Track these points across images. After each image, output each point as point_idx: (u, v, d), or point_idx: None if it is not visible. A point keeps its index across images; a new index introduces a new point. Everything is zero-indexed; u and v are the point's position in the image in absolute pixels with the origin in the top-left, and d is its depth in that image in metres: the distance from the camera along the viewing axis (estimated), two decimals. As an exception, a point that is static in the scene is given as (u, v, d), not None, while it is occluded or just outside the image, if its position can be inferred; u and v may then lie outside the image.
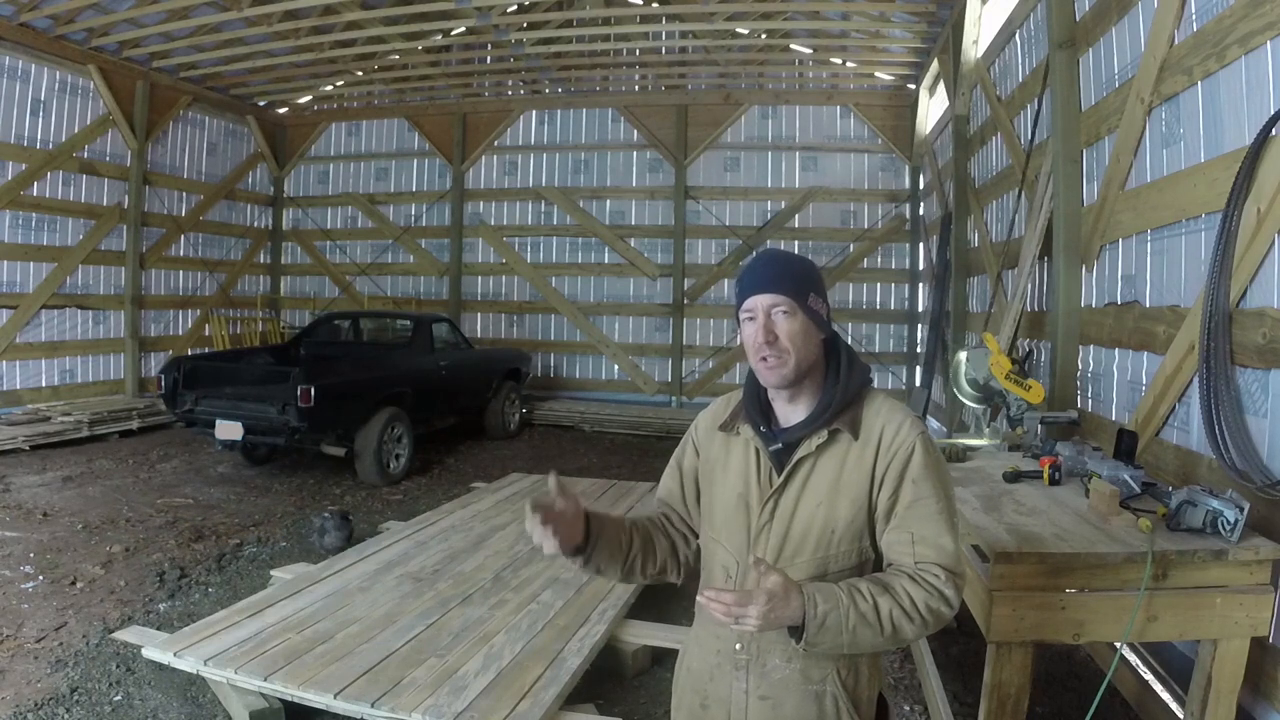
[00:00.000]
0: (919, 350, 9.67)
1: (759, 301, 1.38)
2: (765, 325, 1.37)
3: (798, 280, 1.39)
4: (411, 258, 11.74)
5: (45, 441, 7.29)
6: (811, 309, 1.39)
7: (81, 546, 4.69)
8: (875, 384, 1.48)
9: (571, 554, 1.39)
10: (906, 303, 10.34)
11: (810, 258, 1.93)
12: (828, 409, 1.39)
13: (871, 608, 1.27)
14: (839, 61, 9.86)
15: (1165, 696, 2.86)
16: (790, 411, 1.44)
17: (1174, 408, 3.17)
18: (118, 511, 5.44)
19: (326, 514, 4.88)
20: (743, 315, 1.41)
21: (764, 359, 1.37)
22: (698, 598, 1.33)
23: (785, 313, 1.37)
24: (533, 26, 9.08)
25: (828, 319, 1.43)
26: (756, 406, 1.46)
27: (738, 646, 1.41)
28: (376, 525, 5.27)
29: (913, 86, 9.79)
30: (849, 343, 1.52)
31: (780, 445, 1.41)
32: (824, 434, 1.39)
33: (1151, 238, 3.51)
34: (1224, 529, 2.22)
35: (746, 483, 1.45)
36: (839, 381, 1.41)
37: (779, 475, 1.41)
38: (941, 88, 8.35)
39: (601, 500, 5.74)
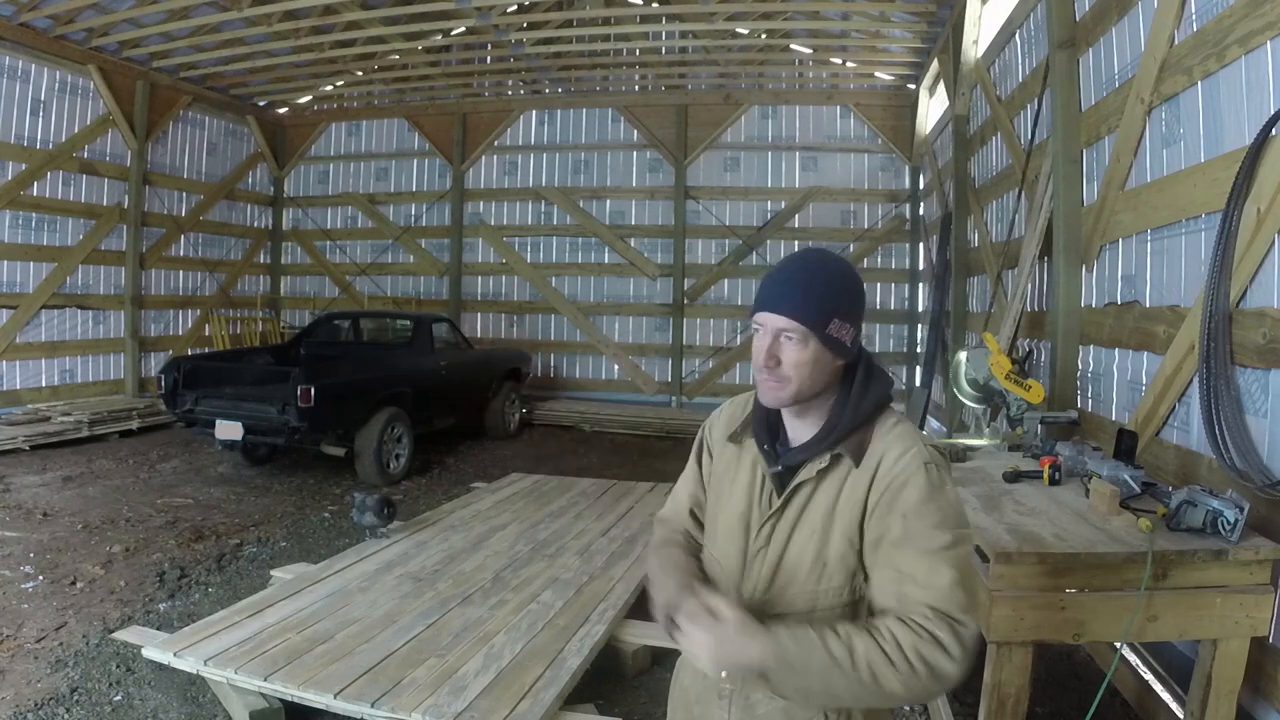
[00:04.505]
0: (919, 350, 9.67)
1: (769, 320, 1.26)
2: (769, 349, 1.26)
3: (821, 303, 1.25)
4: (411, 258, 11.73)
5: (45, 441, 7.28)
6: (831, 337, 1.25)
7: (81, 546, 4.69)
8: (894, 403, 1.36)
9: None
10: (906, 303, 10.34)
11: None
12: (833, 431, 1.29)
13: (845, 650, 1.11)
14: (839, 61, 9.86)
15: (1165, 696, 2.86)
16: (799, 428, 1.34)
17: (1174, 408, 3.17)
18: (118, 511, 5.44)
19: (371, 495, 4.70)
20: (753, 324, 1.30)
21: (764, 378, 1.29)
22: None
23: (794, 340, 1.25)
24: (533, 26, 9.08)
25: (853, 343, 1.29)
26: (764, 422, 1.37)
27: (723, 675, 1.28)
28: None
29: (913, 86, 9.79)
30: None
31: (781, 468, 1.33)
32: (826, 458, 1.29)
33: (1151, 238, 3.51)
34: (1224, 529, 2.22)
35: (749, 501, 1.36)
36: (849, 402, 1.30)
37: (779, 498, 1.33)
38: (941, 88, 8.35)
39: (602, 500, 5.74)
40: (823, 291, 1.26)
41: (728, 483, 1.41)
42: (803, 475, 1.30)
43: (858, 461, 1.27)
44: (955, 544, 1.20)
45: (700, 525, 1.48)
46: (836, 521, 1.28)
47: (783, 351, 1.25)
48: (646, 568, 1.44)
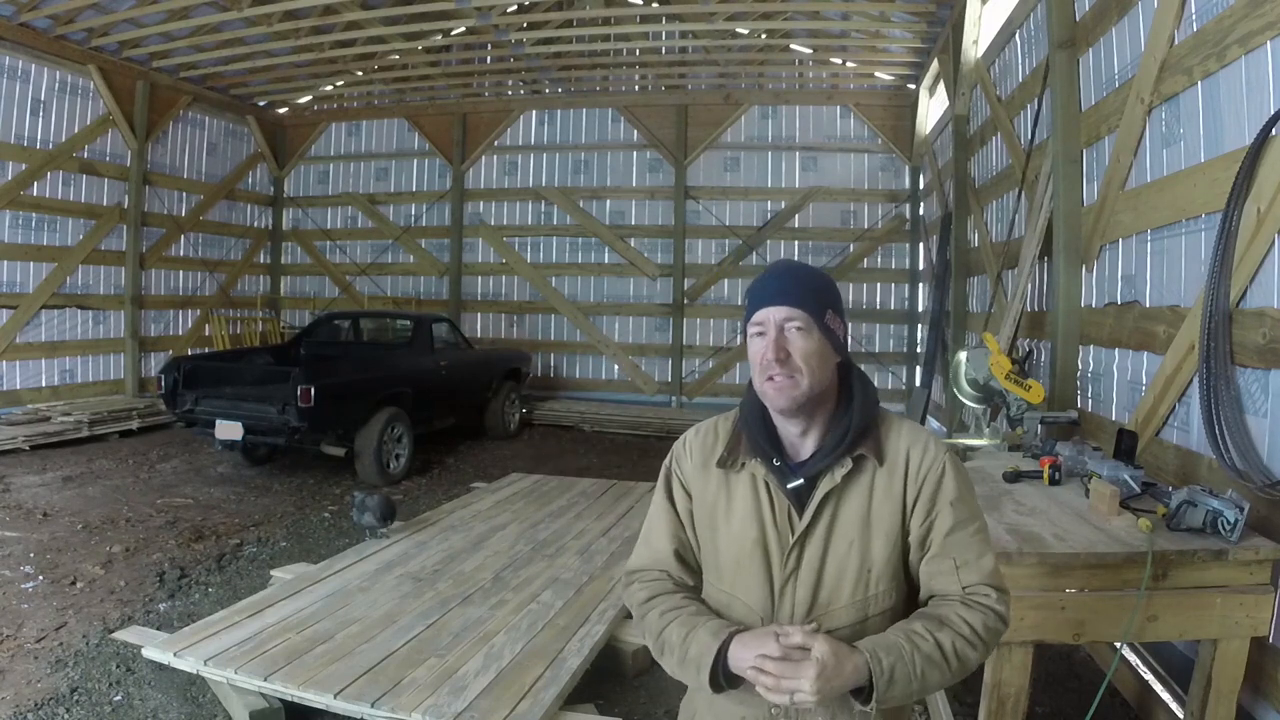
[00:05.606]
0: (919, 350, 9.67)
1: (771, 315, 1.26)
2: (777, 341, 1.25)
3: (816, 295, 1.28)
4: (411, 258, 11.73)
5: (45, 441, 7.28)
6: (828, 328, 1.28)
7: (81, 546, 4.69)
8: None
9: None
10: (906, 303, 10.34)
11: (811, 259, 1.72)
12: (848, 434, 1.27)
13: (934, 646, 1.19)
14: (839, 61, 9.86)
15: (1165, 696, 2.86)
16: (801, 445, 1.32)
17: (1174, 408, 3.17)
18: (118, 511, 5.44)
19: (371, 495, 4.70)
20: (751, 329, 1.29)
21: (772, 378, 1.25)
22: (732, 663, 1.19)
23: (800, 329, 1.25)
24: (533, 26, 9.08)
25: (844, 341, 1.32)
26: (765, 437, 1.31)
27: (773, 710, 1.24)
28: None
29: (913, 86, 9.79)
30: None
31: (801, 481, 1.28)
32: (848, 462, 1.27)
33: (1151, 238, 3.51)
34: (1224, 529, 2.22)
35: (761, 526, 1.30)
36: (854, 405, 1.30)
37: (800, 515, 1.28)
38: (941, 88, 8.35)
39: (601, 500, 5.74)
40: (814, 286, 1.31)
41: (721, 513, 1.34)
42: (826, 485, 1.27)
43: (881, 461, 1.29)
44: (985, 523, 1.34)
45: (688, 566, 1.40)
46: (876, 526, 1.28)
47: (791, 343, 1.26)
48: (645, 625, 1.34)
